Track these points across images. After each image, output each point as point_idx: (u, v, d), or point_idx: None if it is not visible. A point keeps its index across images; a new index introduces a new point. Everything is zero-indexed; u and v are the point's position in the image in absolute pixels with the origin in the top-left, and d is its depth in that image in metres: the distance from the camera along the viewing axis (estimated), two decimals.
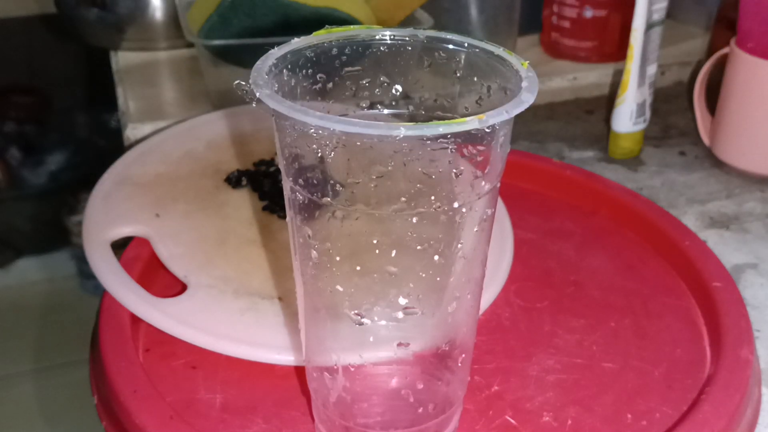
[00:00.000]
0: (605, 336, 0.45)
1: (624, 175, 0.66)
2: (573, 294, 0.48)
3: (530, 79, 0.29)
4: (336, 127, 0.26)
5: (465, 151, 0.28)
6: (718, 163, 0.67)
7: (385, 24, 0.76)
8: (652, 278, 0.50)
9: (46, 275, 1.68)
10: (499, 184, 0.31)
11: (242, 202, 0.52)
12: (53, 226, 1.71)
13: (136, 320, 0.43)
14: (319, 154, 0.29)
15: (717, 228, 0.58)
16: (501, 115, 0.27)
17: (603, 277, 0.50)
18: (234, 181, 0.54)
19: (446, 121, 0.26)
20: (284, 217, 0.51)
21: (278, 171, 0.55)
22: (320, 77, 0.33)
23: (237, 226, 0.50)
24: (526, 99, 0.28)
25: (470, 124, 0.26)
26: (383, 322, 0.32)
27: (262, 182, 0.53)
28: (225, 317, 0.43)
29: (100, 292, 0.45)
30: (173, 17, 0.85)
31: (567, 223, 0.55)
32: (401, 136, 0.25)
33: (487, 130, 0.27)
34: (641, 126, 0.67)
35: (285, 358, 0.41)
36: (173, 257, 0.47)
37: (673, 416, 0.39)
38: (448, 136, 0.27)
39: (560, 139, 0.72)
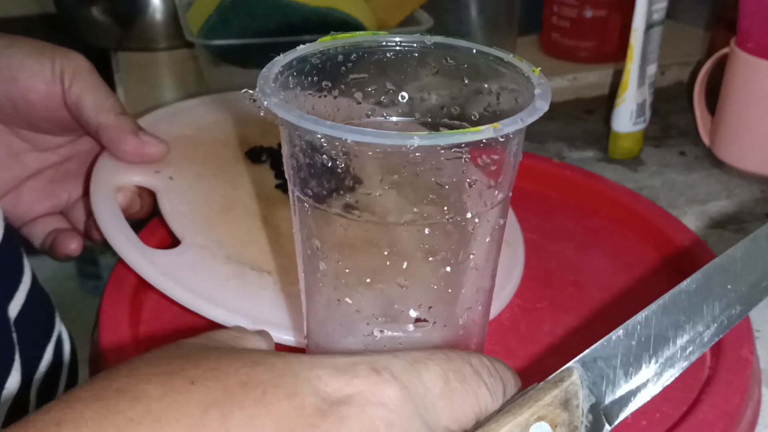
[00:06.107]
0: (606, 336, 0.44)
1: (624, 175, 0.66)
2: (573, 294, 0.48)
3: (543, 87, 0.29)
4: (348, 137, 0.25)
5: (479, 160, 0.28)
6: (718, 163, 0.67)
7: (384, 24, 0.76)
8: (652, 278, 0.50)
9: (46, 275, 1.68)
10: (511, 194, 0.31)
11: (258, 176, 0.52)
12: None
13: (135, 320, 0.43)
14: (329, 164, 0.28)
15: (717, 228, 0.58)
16: (516, 124, 0.26)
17: (603, 277, 0.50)
18: (254, 155, 0.54)
19: (461, 130, 0.25)
20: None
21: None
22: (326, 84, 0.33)
23: (246, 198, 0.50)
24: (541, 107, 0.27)
25: (485, 133, 0.25)
26: (393, 334, 0.31)
27: (281, 161, 0.53)
28: (210, 279, 0.43)
29: (100, 292, 0.45)
30: (173, 17, 0.85)
31: (567, 223, 0.55)
32: (415, 145, 0.25)
33: (501, 139, 0.26)
34: (641, 126, 0.67)
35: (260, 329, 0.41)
36: (174, 213, 0.47)
37: (673, 416, 0.39)
38: (462, 145, 0.26)
39: (560, 139, 0.72)
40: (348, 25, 0.70)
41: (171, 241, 0.47)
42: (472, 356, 0.27)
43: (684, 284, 0.28)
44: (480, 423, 0.25)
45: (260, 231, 0.48)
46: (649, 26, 0.63)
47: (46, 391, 0.46)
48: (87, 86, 0.46)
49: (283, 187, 0.52)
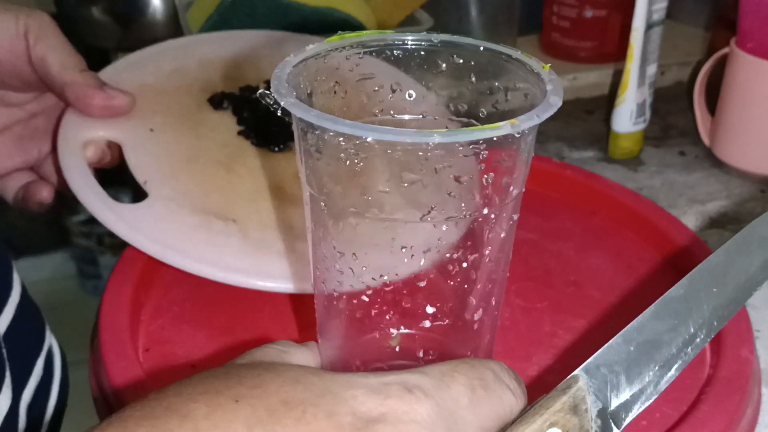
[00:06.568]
0: (605, 336, 0.44)
1: (624, 175, 0.66)
2: (573, 294, 0.48)
3: (554, 83, 0.29)
4: (369, 135, 0.25)
5: (495, 156, 0.28)
6: (718, 163, 0.67)
7: (384, 24, 0.76)
8: (652, 278, 0.50)
9: (46, 275, 1.68)
10: (524, 189, 0.31)
11: (220, 123, 0.52)
12: (53, 226, 1.71)
13: (135, 320, 0.43)
14: (346, 163, 0.28)
15: (717, 228, 0.58)
16: (532, 120, 0.26)
17: (603, 277, 0.50)
18: (216, 102, 0.54)
19: (479, 127, 0.25)
20: (258, 144, 0.51)
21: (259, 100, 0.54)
22: (334, 83, 0.33)
23: (209, 146, 0.50)
24: (555, 102, 0.27)
25: (503, 129, 0.25)
26: (410, 331, 0.31)
27: (243, 107, 0.53)
28: (178, 230, 0.44)
29: (100, 293, 0.45)
30: (173, 17, 0.85)
31: (567, 223, 0.55)
32: (435, 142, 0.25)
33: (517, 135, 0.26)
34: (641, 126, 0.67)
35: (227, 276, 0.43)
36: (140, 165, 0.47)
37: (673, 416, 0.39)
38: (481, 141, 0.26)
39: (560, 139, 0.72)
40: (348, 25, 0.70)
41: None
42: (491, 362, 0.28)
43: (672, 290, 0.29)
44: (503, 428, 0.26)
45: (223, 179, 0.48)
46: (649, 26, 0.63)
47: (36, 406, 0.46)
48: (51, 44, 0.47)
49: (245, 133, 0.52)
